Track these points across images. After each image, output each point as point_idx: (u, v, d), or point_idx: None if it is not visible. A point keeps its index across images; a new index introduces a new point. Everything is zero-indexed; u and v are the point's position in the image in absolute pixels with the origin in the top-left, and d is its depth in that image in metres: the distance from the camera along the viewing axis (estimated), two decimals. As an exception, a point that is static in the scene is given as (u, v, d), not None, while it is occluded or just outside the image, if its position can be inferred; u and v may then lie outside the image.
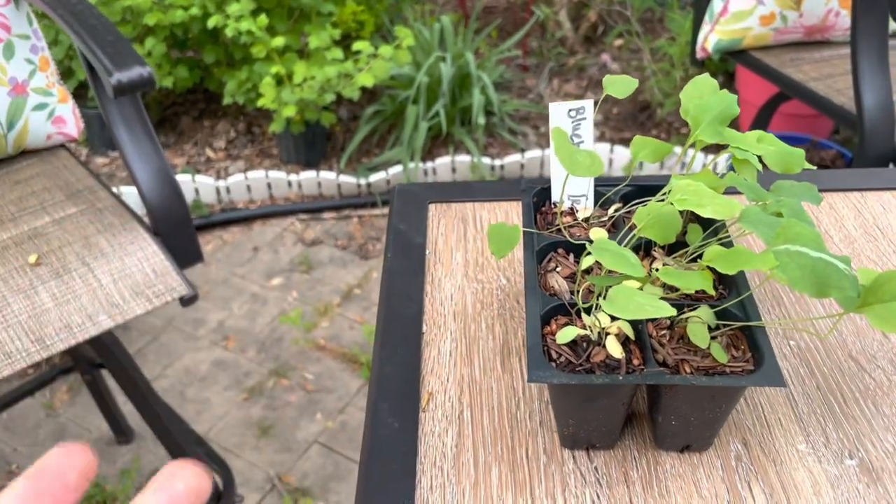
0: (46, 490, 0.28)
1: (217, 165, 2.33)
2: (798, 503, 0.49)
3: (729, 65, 2.36)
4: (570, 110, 0.55)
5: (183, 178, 2.21)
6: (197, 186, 2.22)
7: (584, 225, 0.58)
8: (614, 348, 0.47)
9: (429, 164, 2.25)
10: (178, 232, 1.12)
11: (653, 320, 0.50)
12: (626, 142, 2.35)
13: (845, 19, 1.48)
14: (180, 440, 1.28)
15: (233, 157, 2.35)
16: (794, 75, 1.46)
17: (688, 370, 0.47)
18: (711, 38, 1.52)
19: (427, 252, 0.67)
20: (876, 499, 0.49)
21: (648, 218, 0.48)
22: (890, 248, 0.66)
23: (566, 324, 0.50)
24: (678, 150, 2.02)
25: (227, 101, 2.18)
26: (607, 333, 0.48)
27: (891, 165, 1.29)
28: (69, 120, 1.24)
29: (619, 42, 2.70)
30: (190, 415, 1.71)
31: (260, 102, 2.07)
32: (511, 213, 0.71)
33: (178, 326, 1.92)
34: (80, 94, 2.35)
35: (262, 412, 1.71)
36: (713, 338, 0.49)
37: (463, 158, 2.25)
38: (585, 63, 2.64)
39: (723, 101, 0.49)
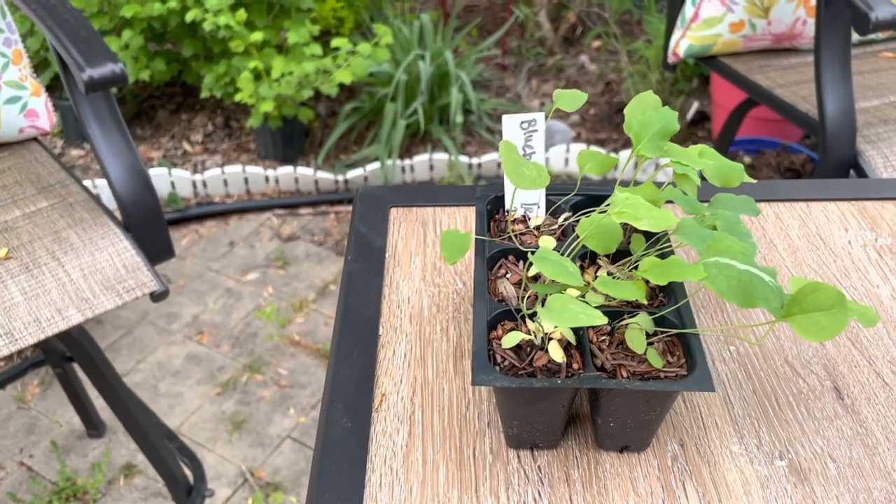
0: None
1: (194, 159, 2.33)
2: (728, 502, 0.51)
3: (704, 69, 2.39)
4: (521, 122, 0.57)
5: (159, 172, 2.21)
6: (173, 180, 2.22)
7: (535, 233, 0.60)
8: (556, 353, 0.49)
9: (406, 162, 2.27)
10: (150, 228, 1.13)
11: (594, 326, 0.53)
12: (601, 142, 2.38)
13: (812, 28, 1.52)
14: (150, 434, 1.29)
15: (210, 152, 2.35)
16: (761, 82, 1.49)
17: (624, 374, 0.49)
18: (683, 43, 1.55)
19: (387, 255, 0.69)
20: (802, 497, 0.51)
21: (591, 229, 0.50)
22: (830, 258, 0.68)
23: (512, 329, 0.52)
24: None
25: (204, 94, 2.18)
26: (550, 338, 0.50)
27: (851, 171, 1.33)
28: (42, 113, 1.25)
29: (597, 43, 2.73)
30: (162, 409, 1.72)
31: (238, 97, 2.08)
32: (470, 218, 0.73)
33: (152, 321, 1.93)
34: (55, 87, 2.34)
35: (234, 407, 1.72)
36: (650, 344, 0.51)
37: (441, 156, 2.27)
38: (564, 63, 2.66)
39: (664, 117, 0.51)
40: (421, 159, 2.27)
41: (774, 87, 1.47)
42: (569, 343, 0.51)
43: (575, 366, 0.50)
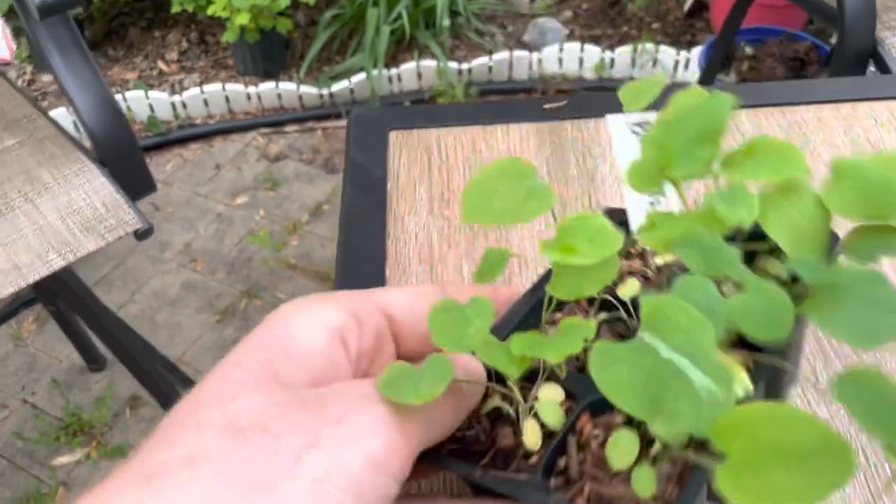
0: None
1: (171, 79, 2.21)
2: None
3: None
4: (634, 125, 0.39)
5: (136, 95, 2.10)
6: (151, 102, 2.11)
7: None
8: (532, 436, 0.30)
9: (393, 71, 2.15)
10: (126, 160, 1.06)
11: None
12: (596, 39, 2.26)
13: None
14: (148, 367, 1.26)
15: (187, 70, 2.23)
16: (773, -33, 1.38)
17: (585, 492, 0.29)
18: (687, -73, 1.43)
19: (388, 186, 0.63)
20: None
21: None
22: (876, 166, 0.62)
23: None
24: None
25: (175, 9, 2.04)
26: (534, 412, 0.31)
27: (870, 61, 1.25)
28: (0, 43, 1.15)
29: (589, -70, 2.56)
30: (162, 340, 1.68)
31: (210, 10, 1.95)
32: (478, 141, 0.66)
33: (144, 250, 1.87)
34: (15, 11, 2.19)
35: (236, 334, 1.69)
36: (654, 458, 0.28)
37: (429, 63, 2.16)
38: (554, -45, 2.50)
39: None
40: (408, 67, 2.16)
41: (787, -28, 1.37)
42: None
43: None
